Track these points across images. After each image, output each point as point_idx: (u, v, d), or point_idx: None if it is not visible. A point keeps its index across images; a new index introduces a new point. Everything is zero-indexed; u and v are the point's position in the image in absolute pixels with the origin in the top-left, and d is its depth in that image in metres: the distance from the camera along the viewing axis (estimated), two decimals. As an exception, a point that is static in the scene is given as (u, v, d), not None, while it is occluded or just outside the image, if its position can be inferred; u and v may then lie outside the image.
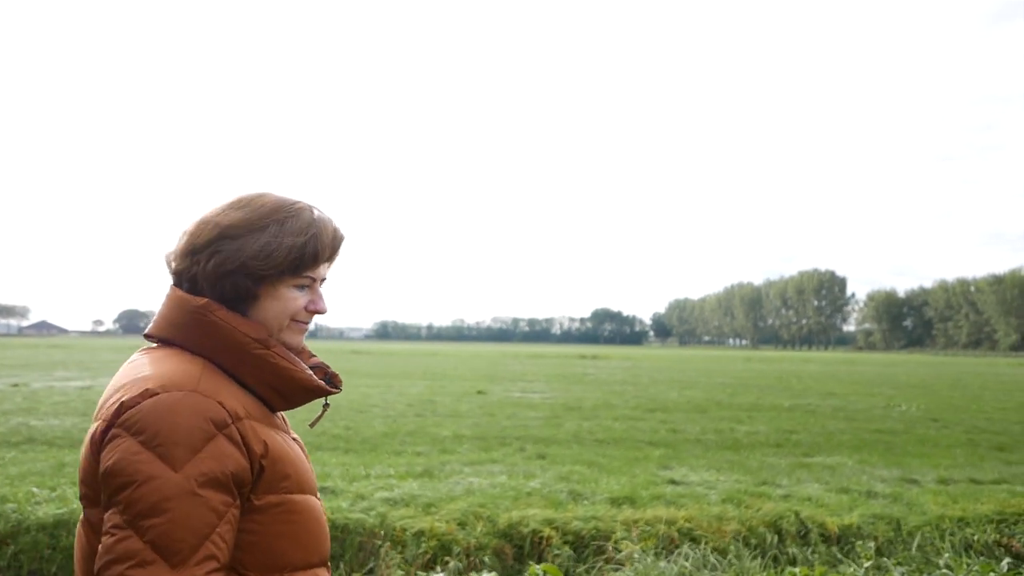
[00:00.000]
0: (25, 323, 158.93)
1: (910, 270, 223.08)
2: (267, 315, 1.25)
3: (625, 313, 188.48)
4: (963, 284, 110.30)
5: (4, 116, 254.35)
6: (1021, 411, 14.72)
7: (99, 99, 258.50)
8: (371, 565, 4.52)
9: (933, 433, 10.90)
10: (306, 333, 1.32)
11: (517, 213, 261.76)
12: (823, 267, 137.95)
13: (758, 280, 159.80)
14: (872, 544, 4.55)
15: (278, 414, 1.29)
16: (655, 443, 9.17)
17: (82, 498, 1.17)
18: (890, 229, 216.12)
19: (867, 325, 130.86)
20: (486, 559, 4.41)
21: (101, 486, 1.10)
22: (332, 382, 1.34)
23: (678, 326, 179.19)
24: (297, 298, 1.27)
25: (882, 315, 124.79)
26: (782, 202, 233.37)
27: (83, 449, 1.17)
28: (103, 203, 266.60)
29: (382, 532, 4.64)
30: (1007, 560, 4.72)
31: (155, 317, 1.26)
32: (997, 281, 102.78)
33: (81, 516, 1.19)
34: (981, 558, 4.41)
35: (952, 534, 4.94)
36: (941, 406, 15.76)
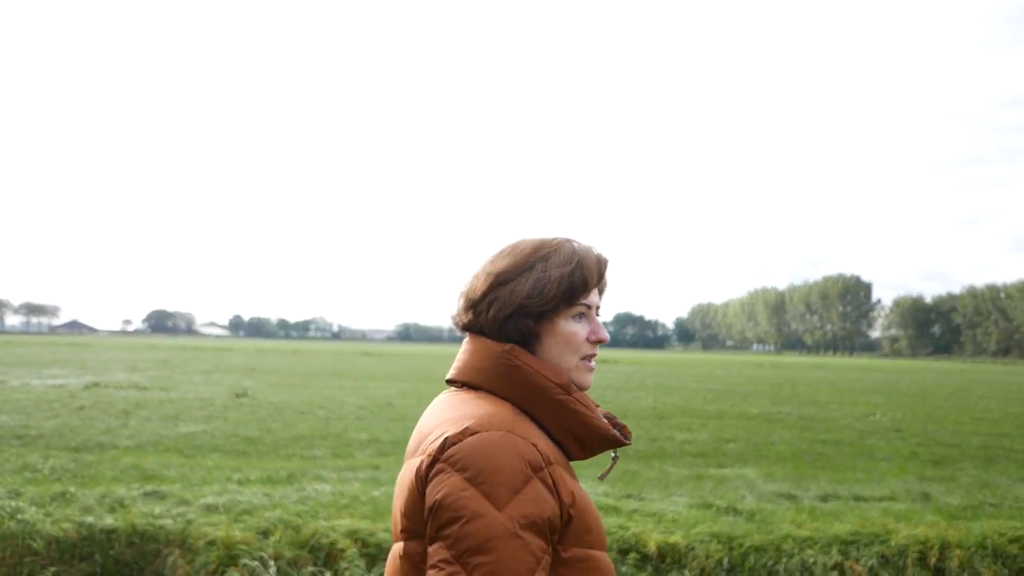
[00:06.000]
0: (56, 322, 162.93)
1: (939, 275, 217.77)
2: (553, 354, 1.26)
3: (647, 317, 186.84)
4: (992, 290, 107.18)
5: (36, 118, 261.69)
6: (999, 423, 14.11)
7: (128, 101, 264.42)
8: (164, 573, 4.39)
9: (882, 444, 10.47)
10: (594, 371, 1.31)
11: (540, 214, 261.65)
12: (849, 272, 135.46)
13: (783, 284, 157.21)
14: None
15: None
16: (571, 451, 8.92)
17: (402, 531, 1.19)
18: (918, 233, 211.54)
19: (893, 331, 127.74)
20: (273, 570, 4.24)
21: (428, 519, 1.12)
22: (622, 432, 1.33)
23: (701, 331, 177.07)
24: (576, 331, 1.27)
25: (908, 321, 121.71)
26: (808, 205, 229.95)
27: (403, 482, 1.20)
28: (134, 204, 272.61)
29: (179, 540, 4.50)
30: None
31: (457, 363, 1.30)
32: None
33: (398, 549, 1.20)
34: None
35: (790, 556, 4.65)
36: (918, 416, 15.21)
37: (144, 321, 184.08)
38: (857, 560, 4.68)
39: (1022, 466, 8.75)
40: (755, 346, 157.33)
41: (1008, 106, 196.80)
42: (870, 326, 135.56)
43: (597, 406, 1.34)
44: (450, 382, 1.32)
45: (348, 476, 6.49)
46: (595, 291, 1.30)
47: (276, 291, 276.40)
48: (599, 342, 1.29)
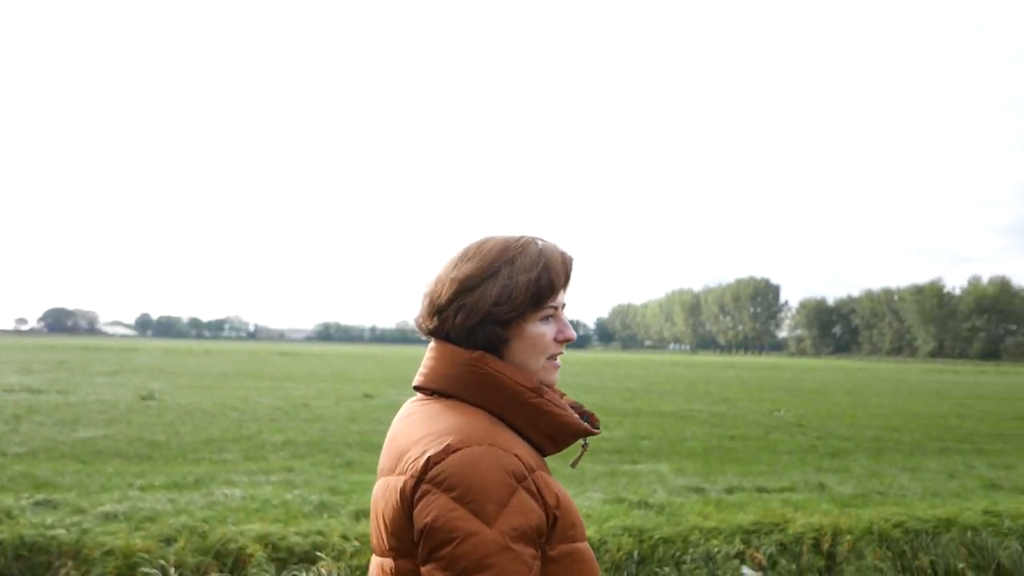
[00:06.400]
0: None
1: (843, 279, 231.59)
2: (521, 358, 1.26)
3: (570, 318, 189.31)
4: (887, 293, 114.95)
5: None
6: (889, 418, 15.14)
7: (16, 89, 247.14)
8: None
9: (785, 439, 11.03)
10: (559, 368, 1.31)
11: (462, 214, 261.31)
12: (760, 275, 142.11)
13: (698, 286, 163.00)
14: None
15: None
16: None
17: (391, 549, 1.18)
18: (823, 239, 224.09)
19: (799, 332, 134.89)
20: (174, 579, 4.07)
21: (419, 541, 1.12)
22: (589, 420, 1.35)
23: (621, 331, 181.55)
24: (544, 333, 1.27)
25: (812, 322, 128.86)
26: (724, 211, 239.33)
27: (386, 499, 1.19)
28: (29, 193, 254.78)
29: (73, 551, 4.25)
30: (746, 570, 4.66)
31: (423, 370, 1.28)
32: (918, 291, 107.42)
33: (387, 565, 1.19)
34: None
35: (696, 546, 4.84)
36: (818, 412, 16.10)
37: (40, 320, 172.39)
38: (757, 548, 4.92)
39: (908, 456, 9.43)
40: (672, 345, 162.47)
41: (909, 119, 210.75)
42: (778, 326, 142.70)
43: (563, 395, 1.36)
44: (418, 388, 1.30)
45: (260, 479, 6.31)
46: (561, 291, 1.30)
47: (188, 288, 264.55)
48: (566, 341, 1.30)
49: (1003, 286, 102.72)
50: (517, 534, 1.10)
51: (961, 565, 4.88)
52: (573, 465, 1.42)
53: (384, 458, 1.26)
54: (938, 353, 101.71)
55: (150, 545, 4.27)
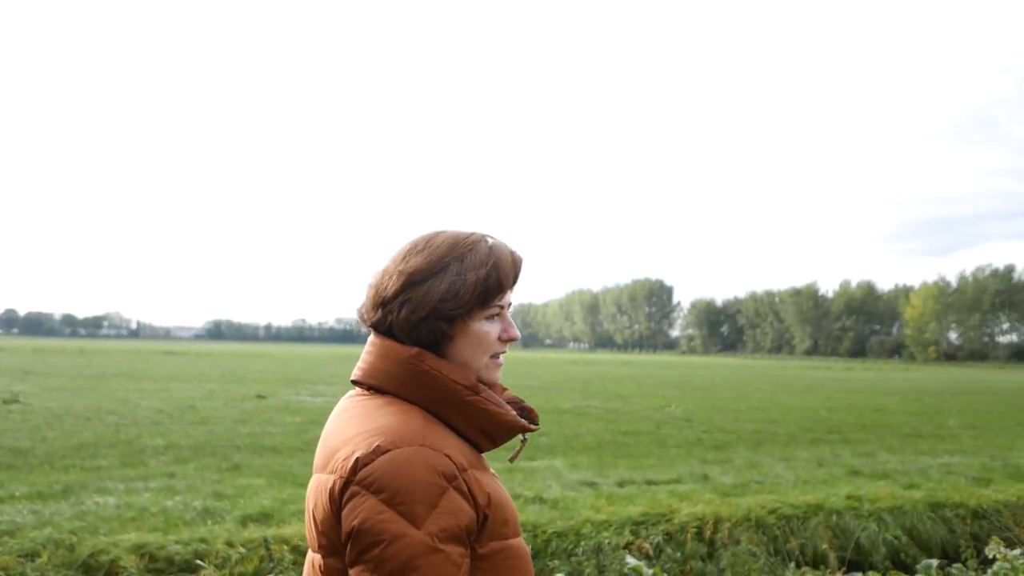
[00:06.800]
0: None
1: (728, 281, 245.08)
2: (464, 355, 1.25)
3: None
4: (769, 295, 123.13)
5: None
6: (768, 411, 16.14)
7: None
8: None
9: (674, 433, 11.53)
10: (502, 367, 1.31)
11: (362, 210, 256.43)
12: (657, 276, 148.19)
13: (597, 287, 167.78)
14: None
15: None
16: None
17: (320, 547, 1.19)
18: (718, 243, 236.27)
19: (690, 331, 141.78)
20: (37, 597, 3.77)
21: (346, 543, 1.12)
22: (529, 416, 1.34)
23: (522, 329, 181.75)
24: (489, 331, 1.26)
25: (702, 322, 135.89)
26: (625, 213, 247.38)
27: (317, 496, 1.18)
28: None
29: (-85, 571, 3.85)
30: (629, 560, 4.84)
31: (361, 364, 1.27)
32: (796, 293, 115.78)
33: (317, 560, 1.19)
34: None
35: (588, 538, 4.98)
36: (705, 407, 16.92)
37: None
38: (645, 538, 5.14)
39: (783, 447, 10.10)
40: (571, 344, 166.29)
41: (799, 134, 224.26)
42: (671, 326, 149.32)
43: (505, 389, 1.35)
44: (355, 383, 1.28)
45: (138, 486, 5.94)
46: (509, 291, 1.29)
47: (60, 282, 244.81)
48: (510, 340, 1.29)
49: (869, 289, 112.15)
50: (446, 535, 1.10)
51: (825, 546, 5.28)
52: (512, 460, 1.42)
53: (318, 454, 1.25)
54: (813, 351, 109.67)
55: (8, 561, 3.95)
